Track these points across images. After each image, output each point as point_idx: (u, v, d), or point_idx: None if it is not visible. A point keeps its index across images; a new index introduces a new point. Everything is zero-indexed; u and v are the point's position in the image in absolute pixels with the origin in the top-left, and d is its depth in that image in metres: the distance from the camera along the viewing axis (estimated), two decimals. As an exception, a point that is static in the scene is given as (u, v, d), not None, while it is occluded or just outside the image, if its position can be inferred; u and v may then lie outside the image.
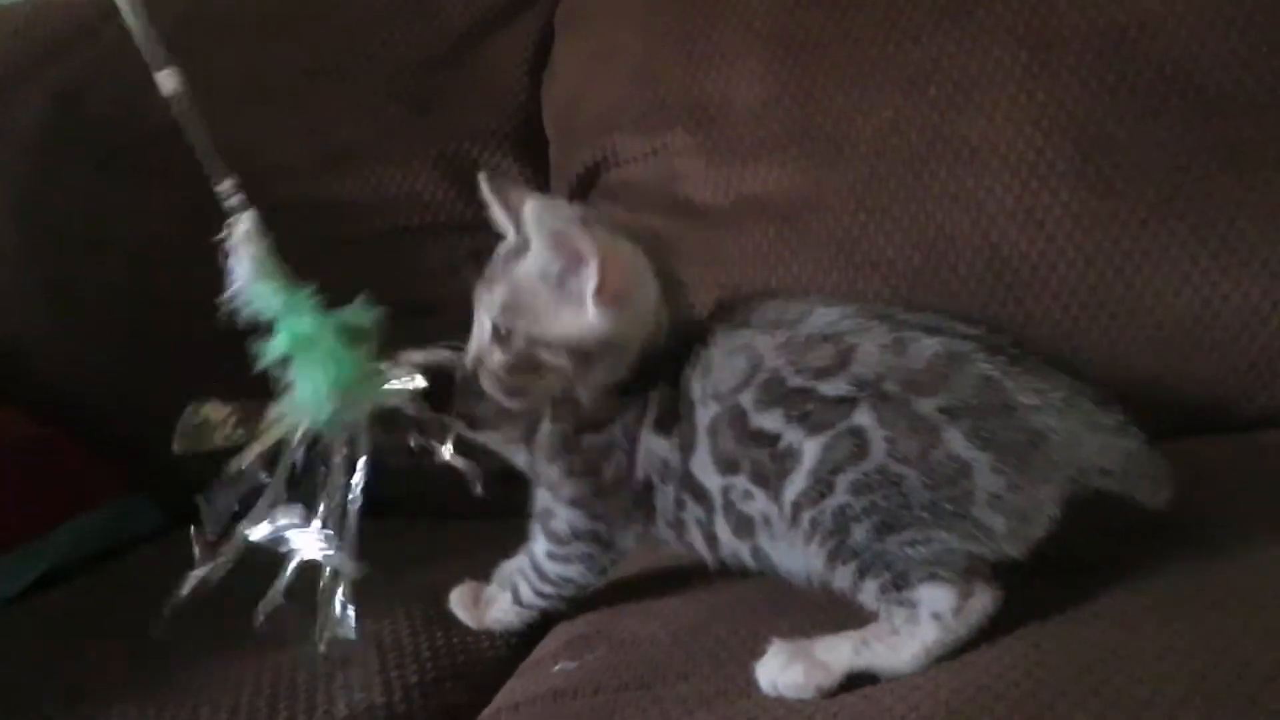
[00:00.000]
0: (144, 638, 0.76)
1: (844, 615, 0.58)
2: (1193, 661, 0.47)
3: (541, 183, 1.01)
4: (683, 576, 0.72)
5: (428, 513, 0.99)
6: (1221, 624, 0.51)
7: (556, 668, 0.61)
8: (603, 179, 0.96)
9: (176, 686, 0.66)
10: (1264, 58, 0.76)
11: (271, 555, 0.67)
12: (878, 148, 0.82)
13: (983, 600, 0.53)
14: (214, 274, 1.08)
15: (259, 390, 1.06)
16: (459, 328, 1.03)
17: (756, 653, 0.56)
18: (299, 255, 1.04)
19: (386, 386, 0.67)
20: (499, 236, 1.05)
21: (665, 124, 0.91)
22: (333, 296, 1.03)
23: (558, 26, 1.03)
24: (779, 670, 0.53)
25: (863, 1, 0.85)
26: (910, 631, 0.53)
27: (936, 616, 0.53)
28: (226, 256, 0.71)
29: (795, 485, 0.55)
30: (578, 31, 1.01)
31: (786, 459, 0.56)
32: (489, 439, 0.70)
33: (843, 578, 0.55)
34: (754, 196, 0.86)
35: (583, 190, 0.98)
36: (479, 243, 1.00)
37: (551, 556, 0.67)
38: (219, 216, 1.09)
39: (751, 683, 0.54)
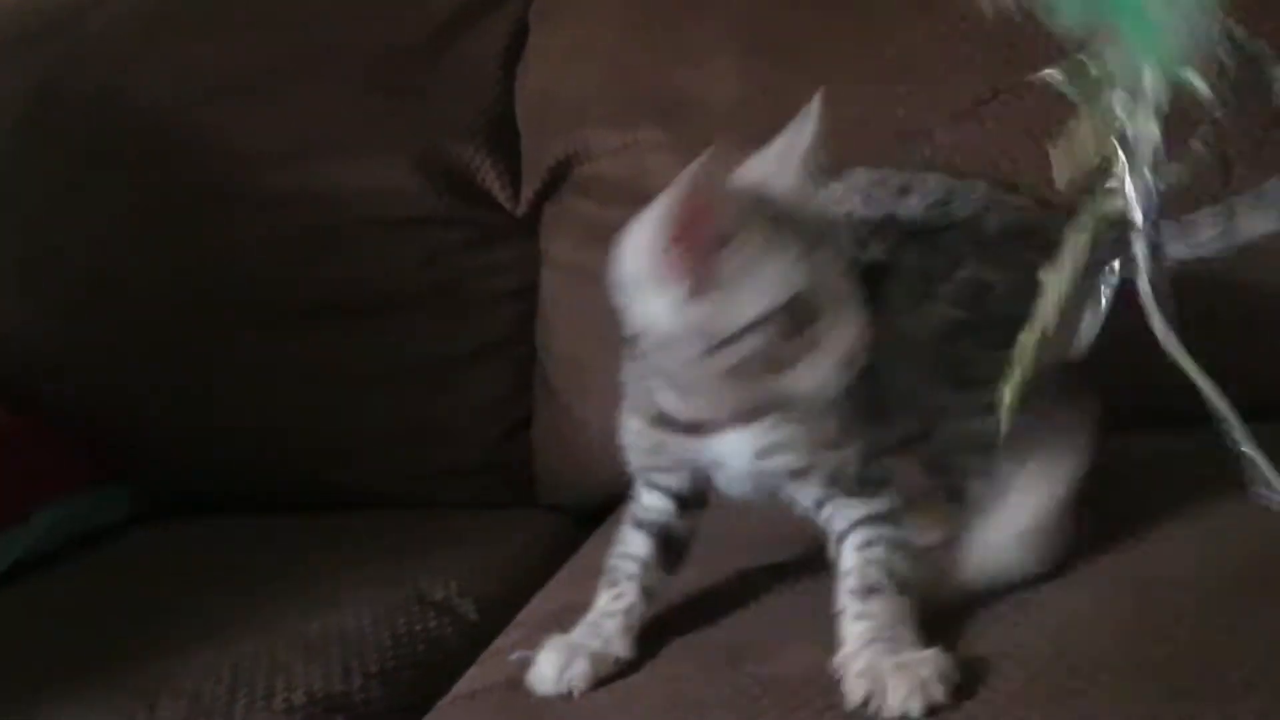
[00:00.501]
0: (113, 626, 0.77)
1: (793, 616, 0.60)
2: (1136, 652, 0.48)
3: (514, 176, 1.01)
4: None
5: (412, 504, 1.01)
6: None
7: (513, 656, 0.61)
8: (574, 173, 0.96)
9: (139, 675, 0.67)
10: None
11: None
12: (847, 144, 0.82)
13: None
14: (192, 261, 1.10)
15: (245, 383, 1.08)
16: (430, 321, 1.04)
17: (712, 639, 0.58)
18: (273, 247, 1.06)
19: None
20: (475, 228, 1.05)
21: (637, 119, 0.92)
22: (314, 299, 1.04)
23: (533, 20, 1.03)
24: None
25: (835, -1, 0.86)
26: None
27: None
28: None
29: None
30: (552, 25, 1.01)
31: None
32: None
33: None
34: (724, 192, 0.86)
35: (554, 183, 0.98)
36: (451, 235, 1.03)
37: None
38: (196, 203, 1.10)
39: (701, 666, 0.55)
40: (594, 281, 0.96)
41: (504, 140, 1.01)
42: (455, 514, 0.97)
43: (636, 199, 0.92)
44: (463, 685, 0.64)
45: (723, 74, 0.88)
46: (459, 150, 1.01)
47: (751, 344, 0.50)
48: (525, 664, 0.59)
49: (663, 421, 0.57)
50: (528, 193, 1.00)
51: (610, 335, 0.94)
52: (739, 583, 0.65)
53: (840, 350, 0.51)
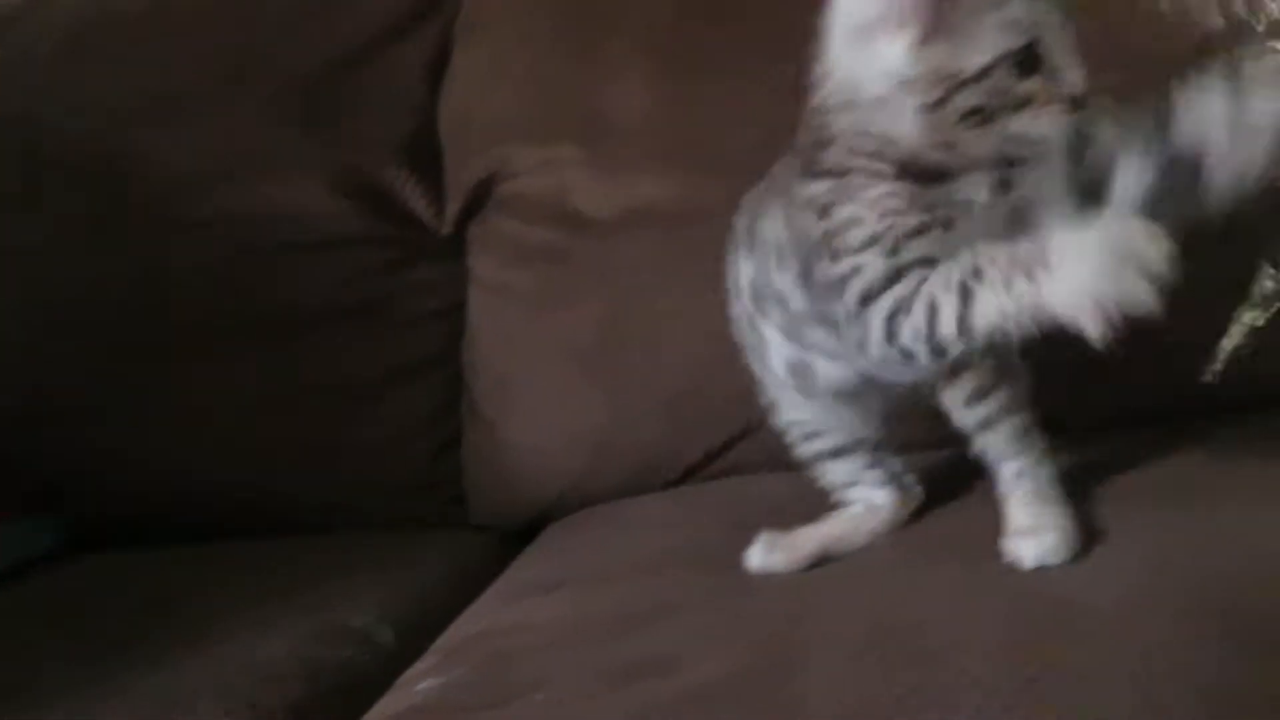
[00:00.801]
0: (10, 665, 0.75)
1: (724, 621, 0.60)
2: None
3: (438, 195, 1.00)
4: (573, 586, 0.72)
5: (341, 527, 0.99)
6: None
7: (420, 686, 0.61)
8: (497, 191, 0.96)
9: (34, 716, 0.65)
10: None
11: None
12: (758, 157, 0.82)
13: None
14: (114, 286, 1.08)
15: (155, 419, 1.05)
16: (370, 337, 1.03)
17: (613, 658, 0.57)
18: (197, 270, 1.04)
19: None
20: (400, 248, 1.04)
21: (555, 136, 0.92)
22: (238, 323, 1.03)
23: (456, 36, 1.03)
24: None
25: (743, 13, 0.86)
26: None
27: None
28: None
29: None
30: (474, 42, 1.01)
31: None
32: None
33: None
34: (640, 207, 0.87)
35: (478, 202, 0.98)
36: (376, 255, 1.02)
37: None
38: (118, 227, 1.08)
39: (600, 685, 0.54)
40: (519, 300, 0.97)
41: (426, 158, 1.00)
42: (383, 536, 0.96)
43: (558, 216, 0.94)
44: (371, 714, 0.63)
45: (636, 89, 0.88)
46: (382, 170, 1.00)
47: (982, 89, 0.52)
48: (428, 693, 0.58)
49: (906, 171, 0.56)
50: (451, 211, 0.99)
51: (535, 354, 0.95)
52: (644, 602, 0.64)
53: (1066, 93, 0.53)
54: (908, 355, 0.54)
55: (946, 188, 0.55)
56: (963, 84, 0.52)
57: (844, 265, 0.55)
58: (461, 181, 0.97)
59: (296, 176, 1.01)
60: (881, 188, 0.55)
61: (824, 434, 0.68)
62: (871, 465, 0.68)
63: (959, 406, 0.63)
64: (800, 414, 0.68)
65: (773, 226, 0.62)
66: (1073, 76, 0.53)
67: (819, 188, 0.57)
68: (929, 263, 0.53)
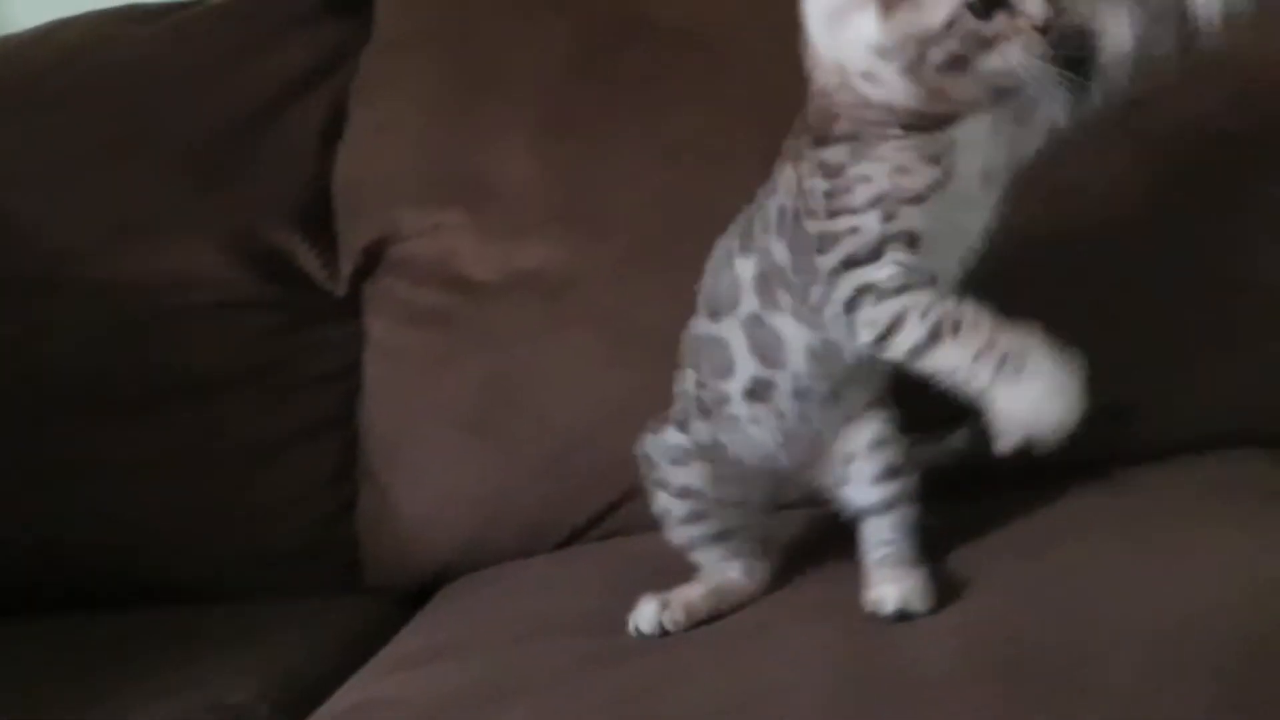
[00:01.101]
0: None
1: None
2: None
3: (333, 257, 1.01)
4: (451, 656, 0.72)
5: (236, 594, 0.98)
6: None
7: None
8: (388, 254, 0.96)
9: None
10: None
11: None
12: (637, 221, 0.84)
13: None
14: (2, 352, 1.06)
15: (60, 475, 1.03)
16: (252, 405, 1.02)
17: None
18: (90, 335, 1.03)
19: None
20: (295, 310, 1.04)
21: (442, 200, 0.93)
22: (130, 388, 1.01)
23: (351, 99, 1.03)
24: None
25: (619, 77, 0.88)
26: None
27: None
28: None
29: None
30: (367, 105, 1.02)
31: None
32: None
33: None
34: (523, 272, 0.88)
35: (371, 264, 0.98)
36: (272, 318, 1.02)
37: None
38: (5, 293, 1.06)
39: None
40: (410, 362, 0.97)
41: (320, 221, 1.01)
42: (275, 603, 0.94)
43: (444, 280, 0.94)
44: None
45: (515, 153, 0.90)
46: (276, 232, 1.00)
47: (952, 38, 0.55)
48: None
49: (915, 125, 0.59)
50: (346, 273, 1.00)
51: (424, 416, 0.95)
52: (515, 673, 0.65)
53: (1031, 23, 0.56)
54: (853, 332, 0.59)
55: (952, 131, 0.58)
56: (932, 39, 0.56)
57: (840, 223, 0.58)
58: (354, 244, 0.98)
59: (190, 240, 1.01)
60: (893, 144, 0.58)
61: (708, 518, 0.68)
62: (748, 541, 0.69)
63: (864, 484, 0.64)
64: (698, 481, 0.67)
65: (779, 196, 0.63)
66: (1033, 7, 0.56)
67: (835, 152, 0.60)
68: (913, 241, 0.57)
